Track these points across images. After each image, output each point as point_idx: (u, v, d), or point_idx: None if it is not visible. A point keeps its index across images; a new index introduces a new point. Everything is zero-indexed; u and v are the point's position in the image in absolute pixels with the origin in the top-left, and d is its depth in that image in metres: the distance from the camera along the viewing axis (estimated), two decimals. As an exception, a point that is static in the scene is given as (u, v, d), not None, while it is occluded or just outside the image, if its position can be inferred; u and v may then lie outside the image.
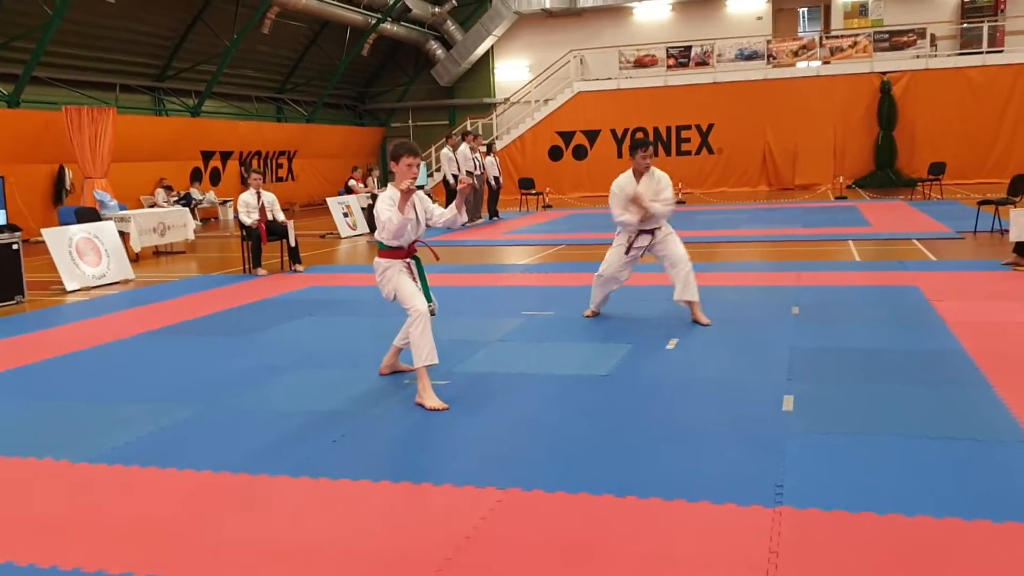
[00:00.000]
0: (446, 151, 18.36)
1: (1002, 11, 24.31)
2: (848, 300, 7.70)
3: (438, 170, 23.88)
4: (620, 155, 26.46)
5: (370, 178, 19.28)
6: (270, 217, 11.15)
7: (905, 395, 4.88)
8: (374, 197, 16.94)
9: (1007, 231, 9.29)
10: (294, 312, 8.21)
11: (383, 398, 5.20)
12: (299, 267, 11.24)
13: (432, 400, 4.91)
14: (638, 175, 7.12)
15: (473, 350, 6.33)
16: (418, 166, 5.14)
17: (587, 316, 7.46)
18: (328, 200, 17.13)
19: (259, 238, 11.02)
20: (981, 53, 23.86)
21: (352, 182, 20.52)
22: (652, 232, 7.15)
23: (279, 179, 25.63)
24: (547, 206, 22.31)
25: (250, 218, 11.06)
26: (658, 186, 7.07)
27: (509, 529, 3.36)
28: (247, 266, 11.22)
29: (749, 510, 3.43)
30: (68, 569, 3.11)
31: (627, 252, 7.20)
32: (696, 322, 7.05)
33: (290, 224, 11.21)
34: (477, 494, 3.67)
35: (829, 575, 2.92)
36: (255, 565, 3.12)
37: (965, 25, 24.56)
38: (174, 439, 4.58)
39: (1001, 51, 23.84)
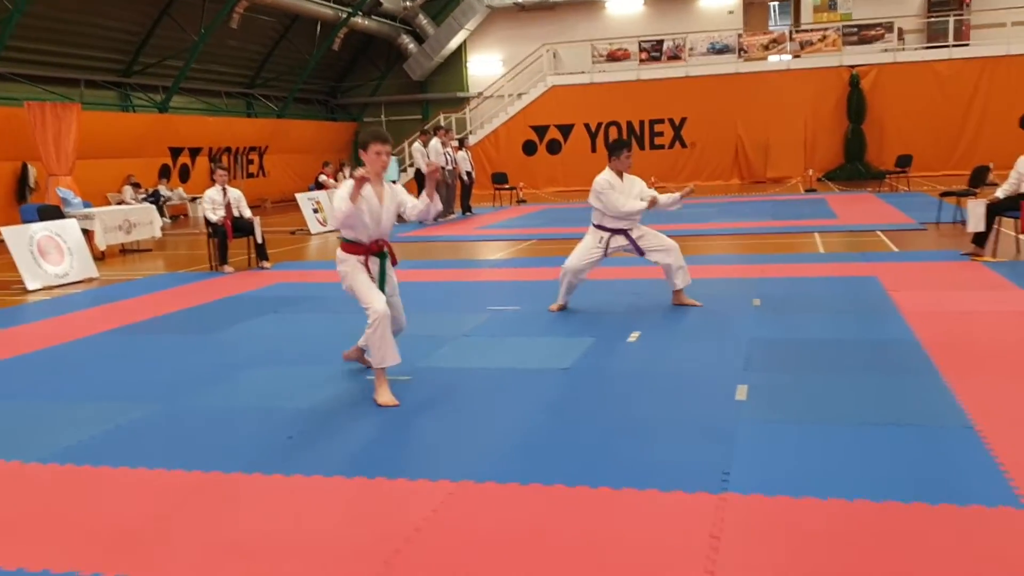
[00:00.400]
0: (417, 146, 18.33)
1: (967, 5, 24.59)
2: (808, 292, 7.79)
3: (411, 165, 23.82)
4: (594, 149, 26.55)
5: (341, 173, 19.23)
6: (236, 214, 11.10)
7: (855, 384, 4.97)
8: (344, 193, 16.93)
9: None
10: (259, 309, 8.19)
11: (342, 394, 5.21)
12: (266, 264, 11.20)
13: (383, 396, 4.93)
14: (620, 174, 7.22)
15: (437, 346, 6.35)
16: (388, 155, 4.98)
17: (553, 311, 7.51)
18: (297, 196, 17.07)
19: (225, 235, 10.97)
20: (947, 47, 24.13)
21: (323, 177, 20.49)
22: (626, 232, 7.27)
23: (250, 175, 25.50)
24: (521, 201, 22.34)
25: (216, 215, 11.01)
26: (633, 185, 7.33)
27: (459, 520, 3.39)
28: (213, 263, 11.17)
29: (695, 497, 3.49)
30: (12, 570, 3.11)
31: (605, 253, 7.34)
32: (681, 304, 7.37)
33: (256, 220, 11.18)
34: (430, 487, 3.70)
35: (766, 558, 2.98)
36: (205, 561, 3.13)
37: (931, 19, 24.82)
38: (129, 438, 4.57)
39: (967, 44, 24.12)
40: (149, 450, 4.33)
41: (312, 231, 16.26)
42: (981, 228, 9.01)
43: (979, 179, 12.07)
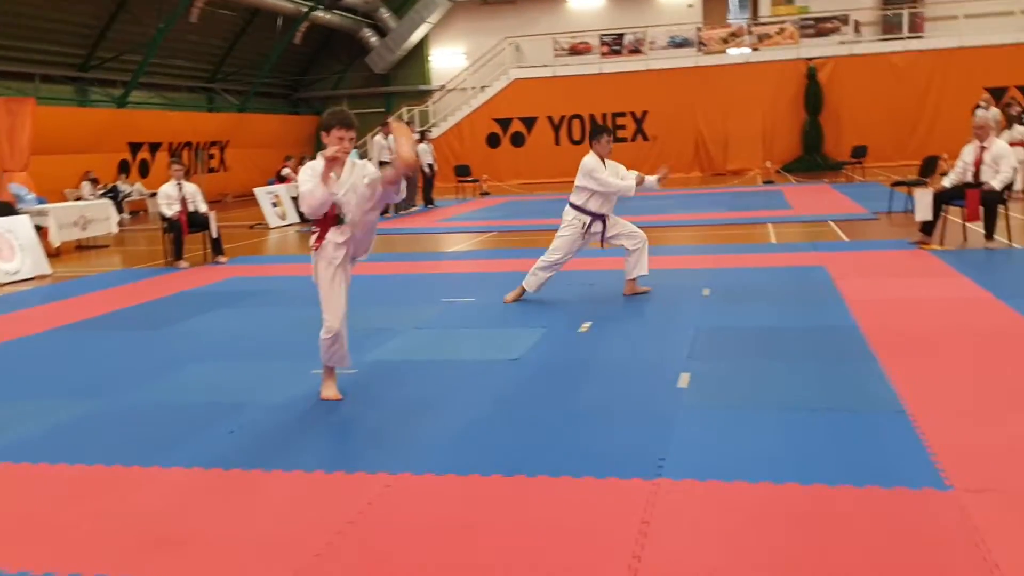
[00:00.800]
0: (379, 139, 18.27)
1: (922, -2, 24.97)
2: (757, 281, 7.89)
3: (369, 158, 23.69)
4: (558, 142, 26.64)
5: (300, 167, 19.09)
6: (192, 208, 11.01)
7: (795, 370, 5.06)
8: (304, 187, 16.82)
9: (916, 211, 9.59)
10: (210, 304, 8.14)
11: (287, 389, 5.20)
12: (222, 259, 11.12)
13: (327, 391, 4.93)
14: (603, 160, 7.34)
15: (387, 338, 6.36)
16: (351, 140, 4.69)
17: (508, 302, 7.52)
18: (256, 190, 16.93)
19: (180, 230, 10.89)
20: (902, 39, 24.46)
21: (286, 171, 20.33)
22: (603, 219, 7.38)
23: (211, 170, 25.25)
24: (484, 193, 22.35)
25: (171, 210, 10.92)
26: (617, 169, 7.45)
27: (393, 512, 3.42)
28: (168, 259, 11.08)
29: (629, 483, 3.54)
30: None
31: (583, 238, 7.45)
32: (633, 294, 7.50)
33: (212, 215, 11.09)
34: (368, 480, 3.72)
35: (692, 541, 3.04)
36: (138, 555, 3.13)
37: (886, 12, 25.13)
38: (69, 434, 4.54)
39: (921, 36, 24.45)
40: (89, 447, 4.30)
41: (271, 225, 16.15)
42: (928, 217, 9.17)
43: (929, 169, 12.29)
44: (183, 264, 10.88)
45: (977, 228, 9.32)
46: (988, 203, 8.90)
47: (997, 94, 22.73)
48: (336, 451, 4.19)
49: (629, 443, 4.01)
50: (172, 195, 10.98)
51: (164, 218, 11.05)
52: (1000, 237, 9.16)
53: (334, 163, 4.65)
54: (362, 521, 3.33)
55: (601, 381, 5.12)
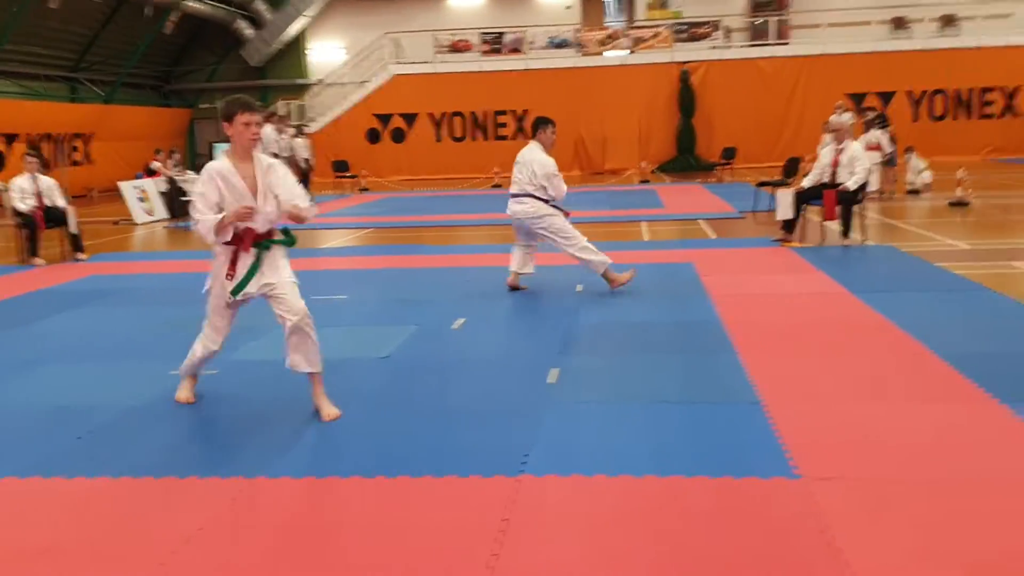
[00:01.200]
0: (267, 130, 17.72)
1: (788, 6, 25.98)
2: (629, 278, 8.03)
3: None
4: (439, 139, 26.55)
5: (170, 160, 18.39)
6: (48, 203, 10.44)
7: (659, 364, 5.16)
8: (172, 181, 16.22)
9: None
10: (67, 303, 7.72)
11: (141, 392, 4.96)
12: (81, 256, 10.58)
13: (180, 393, 4.75)
14: (548, 151, 7.49)
15: (252, 337, 6.15)
16: (258, 125, 4.29)
17: (624, 281, 7.50)
18: (120, 184, 16.22)
19: (35, 226, 10.30)
20: (769, 45, 25.45)
21: (155, 164, 19.56)
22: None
23: (75, 163, 24.01)
24: (364, 189, 22.06)
25: (25, 204, 10.32)
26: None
27: (245, 518, 3.31)
28: (23, 256, 10.47)
29: (492, 481, 3.53)
30: None
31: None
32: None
33: (71, 210, 10.54)
34: (221, 484, 3.59)
35: (550, 536, 3.04)
36: (-39, 570, 2.93)
37: (755, 19, 26.09)
38: None
39: (787, 43, 25.50)
40: (-83, 457, 4.00)
41: (137, 221, 15.49)
42: (789, 216, 9.55)
43: (792, 170, 12.80)
44: (39, 262, 10.29)
45: (834, 226, 9.75)
46: (844, 203, 9.33)
47: (857, 99, 23.99)
48: (189, 455, 4.02)
49: (495, 441, 4.00)
50: (26, 189, 10.38)
51: (17, 213, 10.43)
52: (855, 234, 9.61)
53: (245, 217, 4.19)
54: (212, 527, 3.20)
55: (470, 378, 5.09)
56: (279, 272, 4.42)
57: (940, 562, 2.79)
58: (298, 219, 4.33)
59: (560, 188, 7.48)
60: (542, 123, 7.60)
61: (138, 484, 3.62)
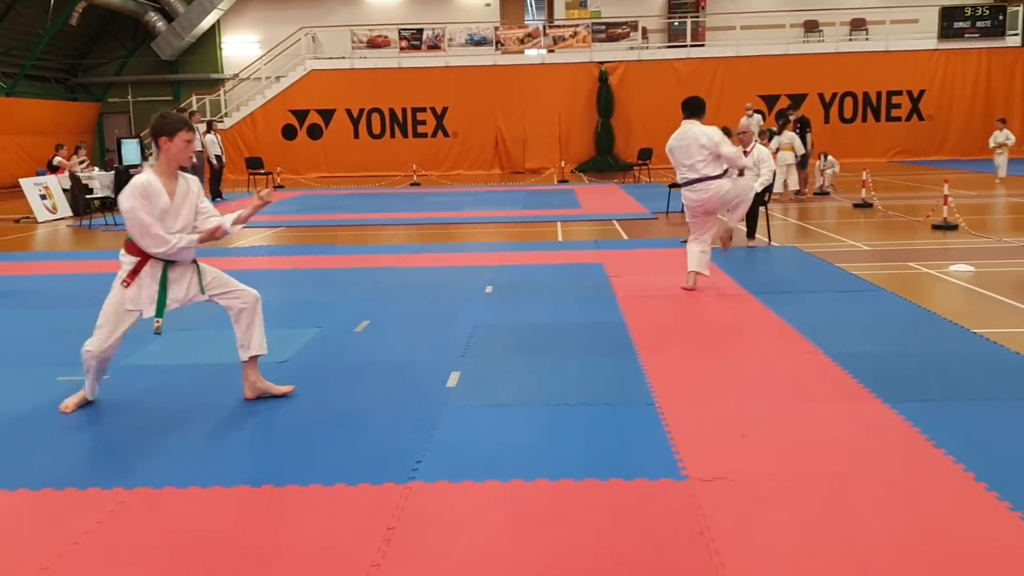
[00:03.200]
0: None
1: (703, 8, 26.44)
2: (539, 278, 8.05)
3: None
4: (357, 135, 26.25)
5: (75, 156, 17.79)
6: (-63, 200, 9.99)
7: (561, 366, 5.18)
8: (75, 178, 15.68)
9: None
10: (-47, 306, 7.39)
11: (28, 398, 4.76)
12: (-26, 256, 10.16)
13: (65, 402, 4.57)
14: None
15: (147, 342, 5.95)
16: (191, 142, 4.29)
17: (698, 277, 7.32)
18: (22, 181, 15.61)
19: (-77, 224, 9.85)
20: (686, 47, 25.86)
21: (58, 159, 18.88)
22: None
23: (-28, 158, 23.05)
24: (279, 186, 21.67)
25: (-89, 202, 9.86)
26: None
27: (124, 531, 3.19)
28: (-91, 256, 10.00)
29: (382, 488, 3.48)
30: None
31: None
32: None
33: (-39, 208, 10.10)
34: (101, 496, 3.46)
35: (436, 544, 3.02)
36: None
37: (672, 20, 26.47)
38: None
39: (703, 45, 25.95)
40: None
41: (39, 219, 14.93)
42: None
43: (703, 171, 12.97)
44: (-74, 262, 9.84)
45: (741, 227, 9.94)
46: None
47: (770, 101, 24.56)
48: (69, 465, 3.86)
49: (388, 447, 3.95)
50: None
51: (-97, 210, 9.95)
52: (761, 236, 9.82)
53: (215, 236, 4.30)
54: (87, 542, 3.09)
55: (370, 382, 5.03)
56: (203, 272, 4.54)
57: (816, 559, 2.85)
58: (218, 237, 4.40)
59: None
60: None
61: (12, 497, 3.47)
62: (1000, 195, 15.11)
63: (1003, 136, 17.28)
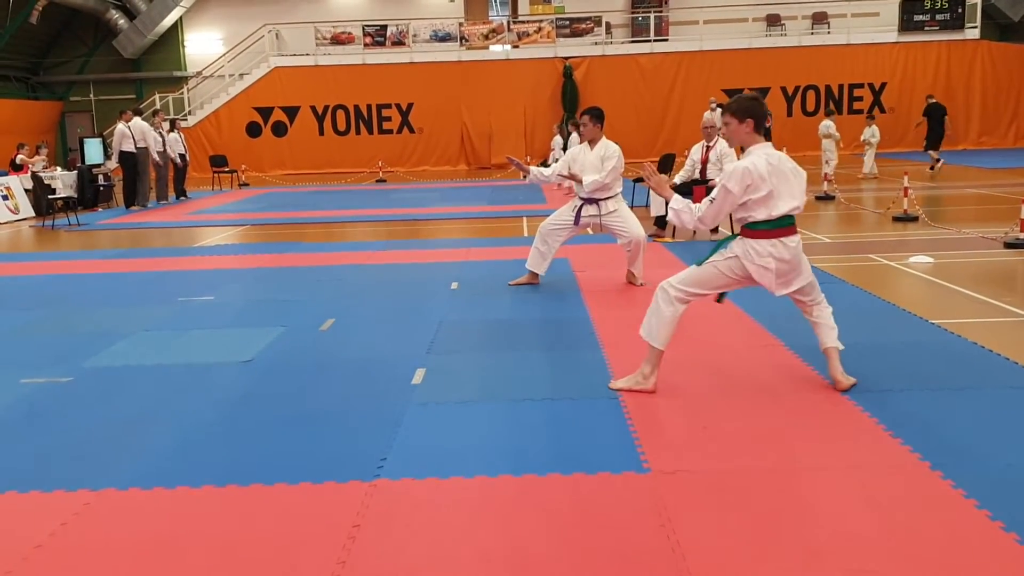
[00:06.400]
0: (120, 127, 17.05)
1: (666, 3, 26.60)
2: (505, 274, 8.05)
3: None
4: (322, 132, 26.11)
5: (37, 156, 17.54)
6: None
7: (526, 361, 5.21)
8: (37, 178, 15.46)
9: (654, 206, 10.20)
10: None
11: (-13, 401, 4.73)
12: (-69, 258, 9.99)
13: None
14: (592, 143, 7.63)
15: (111, 342, 5.94)
16: None
17: (514, 284, 7.46)
18: (-19, 181, 15.36)
19: None
20: (649, 41, 25.98)
21: (20, 158, 18.60)
22: (597, 203, 7.31)
23: (-70, 158, 22.61)
24: (243, 184, 21.51)
25: None
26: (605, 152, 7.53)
27: (88, 534, 3.18)
28: None
29: (346, 486, 3.50)
30: None
31: (576, 222, 7.36)
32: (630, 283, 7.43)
33: (-82, 210, 9.94)
34: (65, 499, 3.45)
35: (400, 541, 3.04)
36: None
37: (635, 15, 26.59)
38: None
39: (666, 40, 26.07)
40: None
41: (1, 220, 14.70)
42: (662, 212, 9.77)
43: (667, 166, 13.11)
44: None
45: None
46: (713, 198, 9.61)
47: (733, 95, 24.62)
48: (34, 467, 3.83)
49: (353, 445, 3.97)
50: None
51: None
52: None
53: None
54: (51, 545, 3.08)
55: (335, 381, 5.03)
56: None
57: (775, 548, 2.91)
58: None
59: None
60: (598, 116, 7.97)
61: (-29, 504, 3.45)
62: (959, 186, 15.35)
63: (869, 133, 17.73)
